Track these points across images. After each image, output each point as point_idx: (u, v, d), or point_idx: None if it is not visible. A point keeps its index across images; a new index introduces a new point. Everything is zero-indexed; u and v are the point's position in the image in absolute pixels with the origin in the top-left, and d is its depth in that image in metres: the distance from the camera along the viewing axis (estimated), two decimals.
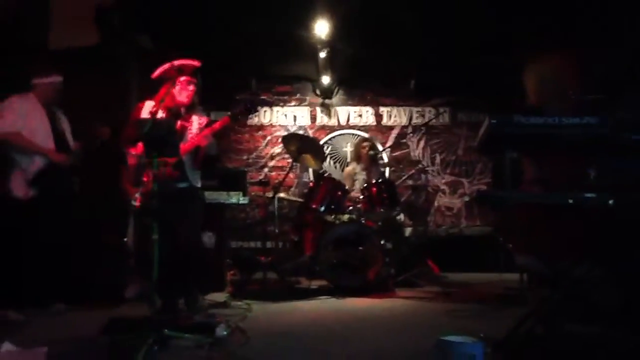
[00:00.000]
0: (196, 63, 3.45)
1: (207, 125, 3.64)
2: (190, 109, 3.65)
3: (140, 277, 4.41)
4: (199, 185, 3.71)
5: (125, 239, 4.63)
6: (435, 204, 7.51)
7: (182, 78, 3.50)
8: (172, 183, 3.41)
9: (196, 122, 3.65)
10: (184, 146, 3.47)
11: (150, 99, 3.53)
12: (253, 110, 3.58)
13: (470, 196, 7.46)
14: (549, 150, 2.64)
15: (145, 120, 3.11)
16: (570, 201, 2.36)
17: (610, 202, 2.32)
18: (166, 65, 3.35)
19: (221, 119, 3.54)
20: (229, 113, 3.60)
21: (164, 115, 3.47)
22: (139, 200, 3.25)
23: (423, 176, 6.22)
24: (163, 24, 5.54)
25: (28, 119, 3.98)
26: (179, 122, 3.54)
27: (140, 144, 3.21)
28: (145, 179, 3.19)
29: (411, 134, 7.66)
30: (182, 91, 3.54)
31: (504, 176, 2.50)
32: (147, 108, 3.50)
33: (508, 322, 2.75)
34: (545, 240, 2.74)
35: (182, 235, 3.47)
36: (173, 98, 3.51)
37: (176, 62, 3.33)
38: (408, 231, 6.17)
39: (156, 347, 2.67)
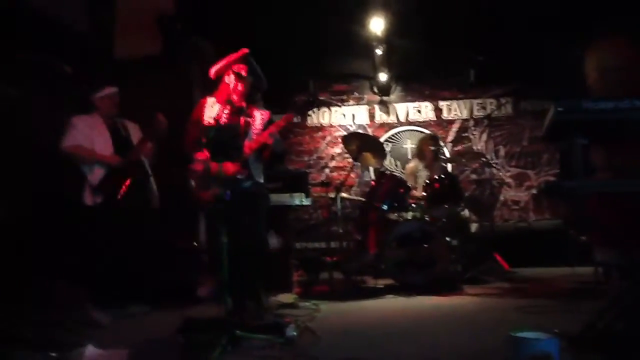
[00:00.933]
0: (244, 50, 3.52)
1: (270, 120, 3.68)
2: (252, 102, 3.70)
3: (213, 277, 4.53)
4: (262, 180, 3.72)
5: (195, 243, 4.75)
6: (501, 198, 7.31)
7: (234, 68, 3.56)
8: (238, 183, 3.50)
9: (259, 117, 3.66)
10: (249, 143, 3.49)
11: (211, 95, 3.64)
12: (314, 103, 3.61)
13: (537, 188, 7.22)
14: (620, 136, 2.52)
15: (209, 126, 3.20)
16: None
17: None
18: (219, 63, 3.45)
19: (284, 116, 3.57)
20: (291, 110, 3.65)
21: (227, 112, 3.54)
22: (207, 202, 3.33)
23: (487, 170, 6.06)
24: (222, 29, 5.66)
25: (88, 133, 4.20)
26: (242, 118, 3.57)
27: (205, 150, 3.28)
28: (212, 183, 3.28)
29: (473, 127, 7.49)
30: (237, 81, 3.56)
31: (574, 165, 2.40)
32: (209, 105, 3.60)
33: (583, 317, 2.65)
34: (621, 231, 2.62)
35: (248, 236, 3.54)
36: (231, 90, 3.55)
37: (228, 58, 3.46)
38: (474, 227, 6.03)
39: (229, 347, 2.74)
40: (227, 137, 3.25)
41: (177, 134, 4.52)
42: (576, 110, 2.33)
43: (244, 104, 3.62)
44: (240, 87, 3.57)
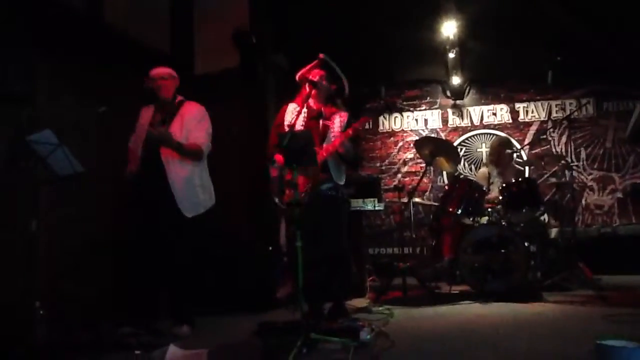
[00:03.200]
0: (320, 55, 3.64)
1: (349, 121, 3.74)
2: (331, 104, 3.79)
3: (291, 279, 4.61)
4: (343, 182, 3.78)
5: (270, 248, 4.85)
6: (583, 202, 7.00)
7: (314, 72, 3.69)
8: (318, 186, 3.57)
9: (337, 120, 3.75)
10: (327, 147, 3.61)
11: (292, 101, 3.75)
12: (390, 108, 3.68)
13: (622, 192, 6.86)
14: None
15: (284, 132, 3.29)
16: None
17: None
18: (306, 67, 3.57)
19: (356, 124, 3.67)
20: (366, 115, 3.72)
21: (305, 116, 3.67)
22: (286, 205, 3.42)
23: (567, 173, 5.82)
24: (296, 41, 5.78)
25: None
26: (320, 122, 3.70)
27: (280, 156, 3.36)
28: (287, 188, 3.36)
29: (551, 129, 7.23)
30: (311, 88, 3.63)
31: None
32: (289, 110, 3.74)
33: None
34: None
35: (327, 241, 3.60)
36: (308, 95, 3.62)
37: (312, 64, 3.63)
38: (554, 232, 5.81)
39: (305, 350, 2.79)
40: (301, 144, 3.31)
41: (254, 142, 4.70)
42: None
43: (322, 108, 3.71)
44: (314, 92, 3.66)
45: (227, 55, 5.42)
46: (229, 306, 4.41)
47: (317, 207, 3.53)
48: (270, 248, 4.83)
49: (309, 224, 3.38)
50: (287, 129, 3.50)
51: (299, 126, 3.62)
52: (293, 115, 3.67)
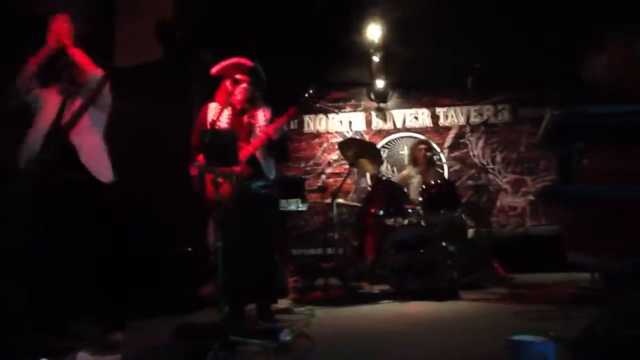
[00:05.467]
0: (248, 63, 3.58)
1: (272, 117, 3.72)
2: (253, 104, 3.73)
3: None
4: (273, 175, 3.73)
5: (189, 249, 4.72)
6: (498, 203, 7.32)
7: (237, 76, 3.61)
8: (249, 184, 3.50)
9: (261, 116, 3.72)
10: (254, 141, 3.56)
11: (213, 100, 3.67)
12: (313, 95, 3.69)
13: (534, 194, 7.22)
14: (620, 140, 2.51)
15: (205, 130, 3.21)
16: None
17: None
18: (223, 63, 3.48)
19: (288, 112, 3.66)
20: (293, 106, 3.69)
21: (229, 114, 3.62)
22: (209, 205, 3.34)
23: (484, 176, 6.06)
24: (222, 37, 5.66)
25: None
26: (245, 118, 3.65)
27: (201, 154, 3.28)
28: (209, 187, 3.28)
29: (469, 134, 7.50)
30: (240, 90, 3.62)
31: (572, 170, 2.39)
32: (211, 109, 3.66)
33: (580, 322, 2.64)
34: (620, 237, 2.61)
35: (258, 240, 3.53)
36: (231, 94, 3.60)
37: (232, 60, 3.53)
38: (471, 232, 6.02)
39: (223, 353, 2.72)
40: (222, 142, 3.24)
41: (179, 139, 4.55)
42: (574, 114, 2.32)
43: (245, 106, 3.68)
44: (238, 95, 3.62)
45: (150, 48, 5.23)
46: (153, 308, 4.24)
47: (248, 206, 3.47)
48: (190, 249, 4.70)
49: (239, 223, 3.35)
50: (211, 126, 3.44)
51: (223, 124, 3.57)
52: (215, 113, 3.59)
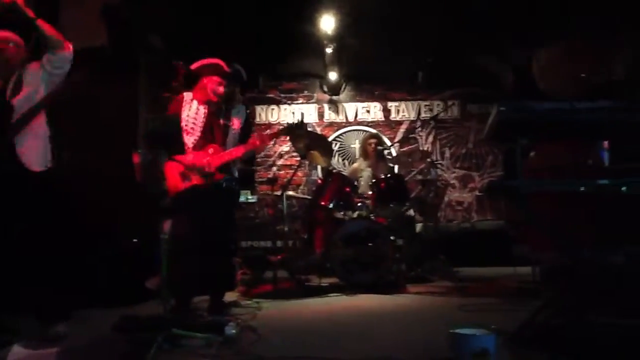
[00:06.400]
0: (227, 70, 3.58)
1: (247, 115, 3.77)
2: (229, 104, 3.70)
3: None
4: (237, 173, 3.74)
5: (135, 240, 4.60)
6: (446, 198, 7.44)
7: (215, 78, 3.57)
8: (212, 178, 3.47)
9: (237, 120, 3.70)
10: (233, 151, 3.55)
11: (189, 90, 3.62)
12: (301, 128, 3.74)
13: (480, 189, 7.38)
14: (560, 136, 2.58)
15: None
16: (583, 188, 2.30)
17: (624, 188, 2.26)
18: (205, 61, 3.48)
19: (271, 134, 3.91)
20: (268, 132, 3.74)
21: (205, 111, 3.57)
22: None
23: (433, 171, 6.14)
24: (172, 22, 5.52)
25: None
26: (221, 120, 3.60)
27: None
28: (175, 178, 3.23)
29: (420, 129, 7.59)
30: (213, 89, 3.58)
31: (516, 165, 2.44)
32: (186, 101, 3.60)
33: (523, 315, 2.71)
34: (559, 231, 2.68)
35: (217, 232, 3.49)
36: (210, 93, 3.57)
37: (214, 60, 3.51)
38: (419, 226, 6.10)
39: (166, 346, 2.65)
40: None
41: (126, 126, 4.42)
42: (518, 111, 2.36)
43: (222, 105, 3.64)
44: (213, 95, 3.59)
45: (95, 32, 5.05)
46: (100, 299, 4.10)
47: (213, 198, 3.42)
48: (135, 240, 4.57)
49: (202, 215, 3.35)
50: (185, 121, 3.47)
51: (200, 122, 3.54)
52: (191, 108, 3.57)
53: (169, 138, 2.96)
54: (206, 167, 3.41)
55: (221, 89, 3.59)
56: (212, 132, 3.55)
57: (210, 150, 3.46)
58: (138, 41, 5.32)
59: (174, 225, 3.73)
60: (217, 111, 3.62)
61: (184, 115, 3.54)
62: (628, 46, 3.83)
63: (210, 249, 3.44)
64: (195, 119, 3.50)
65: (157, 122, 2.95)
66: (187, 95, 3.62)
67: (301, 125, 3.81)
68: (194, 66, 3.59)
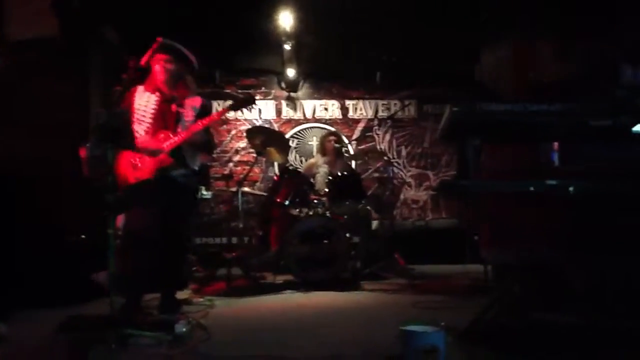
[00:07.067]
0: (158, 39, 3.35)
1: (203, 105, 3.62)
2: (179, 86, 3.58)
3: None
4: (198, 166, 3.62)
5: (83, 236, 4.47)
6: (402, 196, 7.53)
7: (159, 55, 3.44)
8: (168, 171, 3.37)
9: (190, 107, 3.56)
10: (181, 133, 3.40)
11: (141, 84, 3.51)
12: (251, 103, 3.65)
13: (433, 189, 7.49)
14: (512, 138, 2.63)
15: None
16: (531, 188, 2.35)
17: (571, 189, 2.32)
18: (149, 51, 3.32)
19: (220, 110, 3.64)
20: (228, 104, 3.67)
21: (157, 100, 3.46)
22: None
23: (389, 169, 6.20)
24: (127, 14, 5.38)
25: None
26: (173, 106, 3.49)
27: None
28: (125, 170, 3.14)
29: (377, 127, 7.65)
30: (161, 70, 3.47)
31: (467, 165, 2.47)
32: (139, 92, 3.48)
33: (474, 312, 2.75)
34: (509, 229, 2.74)
35: (171, 228, 3.41)
36: (157, 80, 3.46)
37: (154, 45, 3.31)
38: (374, 224, 6.14)
39: (114, 346, 2.59)
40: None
41: (72, 121, 4.27)
42: (471, 112, 2.39)
43: (173, 92, 3.53)
44: (160, 73, 3.46)
45: (45, 21, 4.88)
46: (44, 298, 3.94)
47: (166, 193, 3.33)
48: (83, 236, 4.44)
49: (154, 210, 3.28)
50: (137, 112, 3.38)
51: (150, 109, 3.43)
52: (143, 98, 3.46)
53: (119, 132, 2.88)
54: (157, 148, 3.32)
55: (169, 66, 3.48)
56: (164, 119, 3.45)
57: (162, 136, 3.38)
58: (90, 33, 5.16)
59: (126, 220, 3.66)
60: (170, 99, 3.52)
61: (135, 106, 3.45)
62: (579, 45, 3.92)
63: (163, 244, 3.37)
64: (145, 107, 3.41)
65: (107, 116, 2.85)
66: (140, 88, 3.53)
67: (251, 100, 3.72)
68: (143, 60, 3.49)
